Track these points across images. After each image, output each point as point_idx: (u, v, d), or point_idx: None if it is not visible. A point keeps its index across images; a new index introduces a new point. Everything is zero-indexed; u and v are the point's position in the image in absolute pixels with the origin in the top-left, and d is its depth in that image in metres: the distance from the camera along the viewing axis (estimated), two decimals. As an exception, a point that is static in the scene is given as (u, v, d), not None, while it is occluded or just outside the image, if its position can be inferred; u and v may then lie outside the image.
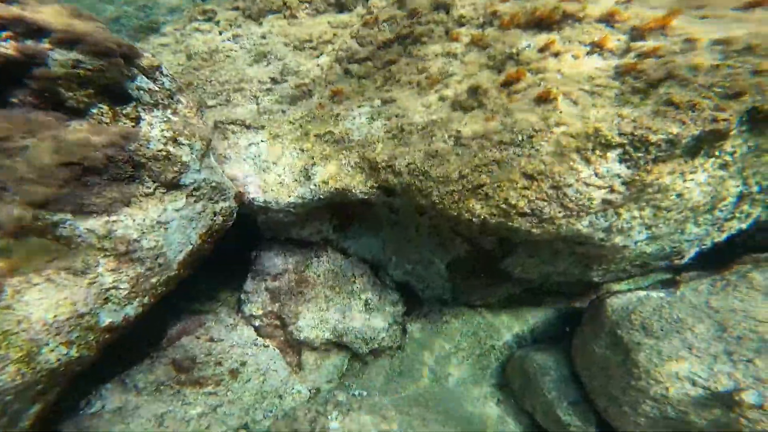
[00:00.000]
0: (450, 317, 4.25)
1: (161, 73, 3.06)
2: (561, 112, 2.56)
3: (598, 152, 2.39)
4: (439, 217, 3.11)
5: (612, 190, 2.42)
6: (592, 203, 2.43)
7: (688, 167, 2.44)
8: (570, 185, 2.40)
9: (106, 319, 2.71)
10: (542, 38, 3.03)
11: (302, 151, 3.70)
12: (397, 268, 4.27)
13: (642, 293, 3.07)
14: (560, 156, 2.44)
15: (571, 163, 2.40)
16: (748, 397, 2.31)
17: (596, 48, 2.79)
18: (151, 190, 2.87)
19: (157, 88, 2.99)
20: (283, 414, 3.59)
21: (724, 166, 2.53)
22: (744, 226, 3.09)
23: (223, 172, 3.57)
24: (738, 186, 2.69)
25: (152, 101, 2.95)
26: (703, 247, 3.16)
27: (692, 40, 2.54)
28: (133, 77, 2.85)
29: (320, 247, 4.32)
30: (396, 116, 3.41)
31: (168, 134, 2.94)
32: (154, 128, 2.90)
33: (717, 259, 3.21)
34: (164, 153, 2.88)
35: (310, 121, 3.87)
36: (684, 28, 2.66)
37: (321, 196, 3.53)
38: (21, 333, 2.30)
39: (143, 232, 2.82)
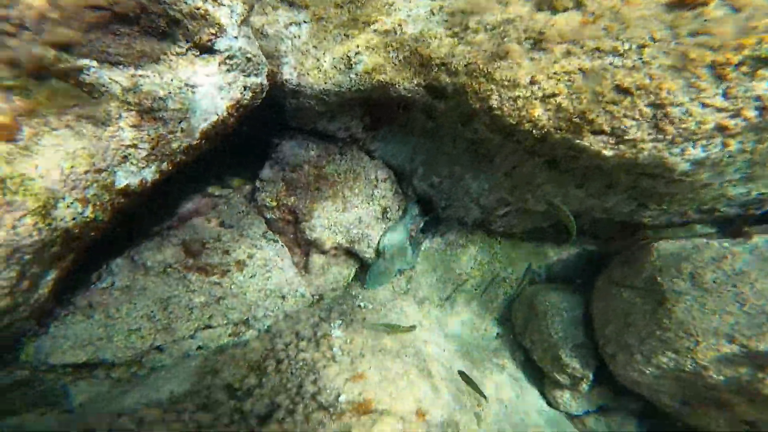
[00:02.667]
0: (467, 241, 4.32)
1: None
2: (707, 20, 2.24)
3: (744, 68, 2.15)
4: (485, 129, 2.97)
5: (737, 115, 2.23)
6: (699, 128, 2.26)
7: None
8: (680, 104, 2.22)
9: (122, 181, 2.65)
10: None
11: (347, 37, 3.37)
12: (422, 180, 4.22)
13: (700, 240, 2.97)
14: (679, 71, 2.21)
15: (694, 80, 2.19)
16: None
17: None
18: (183, 50, 2.69)
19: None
20: (285, 315, 3.70)
21: None
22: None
23: (259, 47, 3.27)
24: None
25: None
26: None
27: None
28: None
29: (345, 144, 4.18)
30: (462, 12, 3.08)
31: (208, -11, 2.66)
32: (194, -19, 2.61)
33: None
34: (202, 11, 2.62)
35: (360, 7, 3.47)
36: None
37: (360, 87, 3.33)
38: (38, 179, 2.22)
39: (170, 92, 2.65)
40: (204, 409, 2.73)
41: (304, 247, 4.22)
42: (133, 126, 2.57)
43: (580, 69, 2.41)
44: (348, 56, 3.32)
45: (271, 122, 4.17)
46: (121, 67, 2.45)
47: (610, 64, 2.37)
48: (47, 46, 2.14)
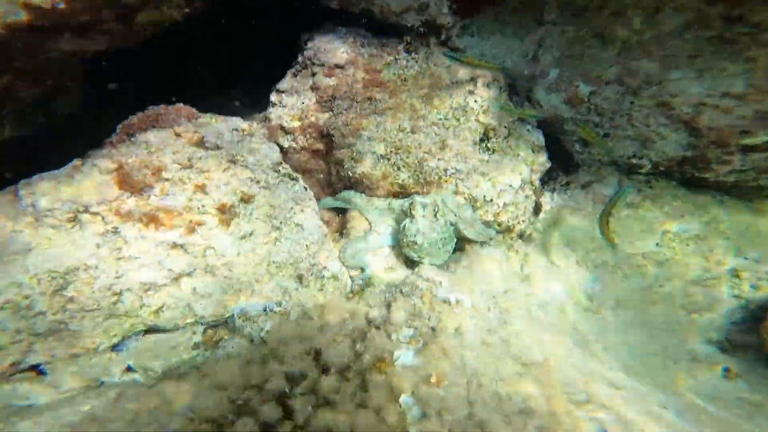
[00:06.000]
0: (643, 198, 2.42)
1: None
2: None
3: None
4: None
5: None
6: None
7: None
8: None
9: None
10: None
11: None
12: (554, 90, 2.49)
13: None
14: None
15: None
16: None
17: None
18: None
19: None
20: (301, 313, 1.97)
21: None
22: None
23: None
24: None
25: None
26: None
27: None
28: None
29: (417, 37, 2.61)
30: None
31: None
32: None
33: None
34: None
35: None
36: None
37: None
38: None
39: None
40: None
41: (341, 191, 2.57)
42: None
43: None
44: None
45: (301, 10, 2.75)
46: None
47: None
48: None
